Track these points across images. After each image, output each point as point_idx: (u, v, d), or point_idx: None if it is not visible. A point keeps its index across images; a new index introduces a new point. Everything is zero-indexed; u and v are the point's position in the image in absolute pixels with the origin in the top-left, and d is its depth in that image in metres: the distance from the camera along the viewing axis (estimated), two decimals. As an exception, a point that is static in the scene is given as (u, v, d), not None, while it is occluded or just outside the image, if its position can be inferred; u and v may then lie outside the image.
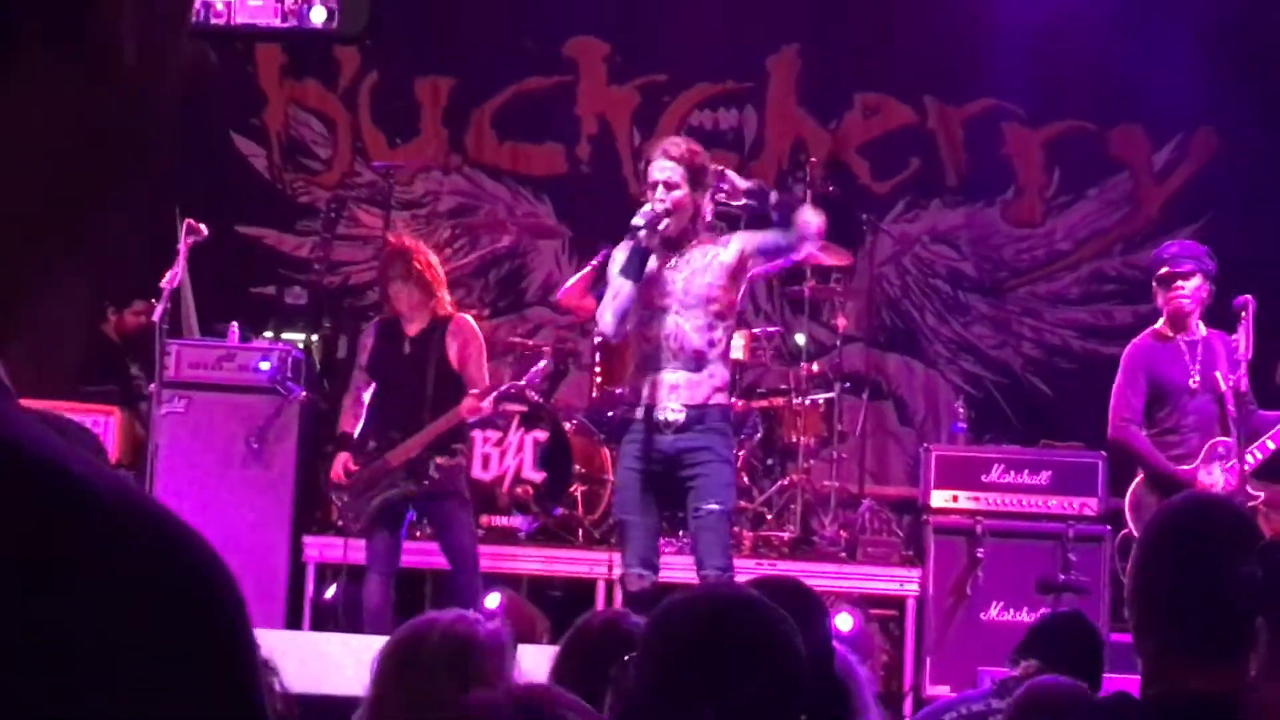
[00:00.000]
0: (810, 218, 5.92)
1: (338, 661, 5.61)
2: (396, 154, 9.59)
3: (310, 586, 7.64)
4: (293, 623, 7.44)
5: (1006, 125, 9.87)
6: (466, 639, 2.91)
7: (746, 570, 6.38)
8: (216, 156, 9.87)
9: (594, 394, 8.06)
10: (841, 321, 8.72)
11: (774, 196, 5.99)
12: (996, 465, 7.63)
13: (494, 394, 6.95)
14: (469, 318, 7.17)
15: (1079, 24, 9.66)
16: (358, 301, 9.58)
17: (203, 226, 7.22)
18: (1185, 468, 6.94)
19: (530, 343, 8.73)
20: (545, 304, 9.79)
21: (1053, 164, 9.89)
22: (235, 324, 7.99)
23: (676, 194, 5.94)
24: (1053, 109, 9.84)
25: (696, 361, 5.97)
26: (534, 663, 5.96)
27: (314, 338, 8.75)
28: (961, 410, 8.60)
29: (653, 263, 6.03)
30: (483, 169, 9.99)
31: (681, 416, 5.92)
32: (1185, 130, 9.77)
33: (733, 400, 6.42)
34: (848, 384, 8.89)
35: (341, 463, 6.95)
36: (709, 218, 6.08)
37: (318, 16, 7.05)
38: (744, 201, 6.04)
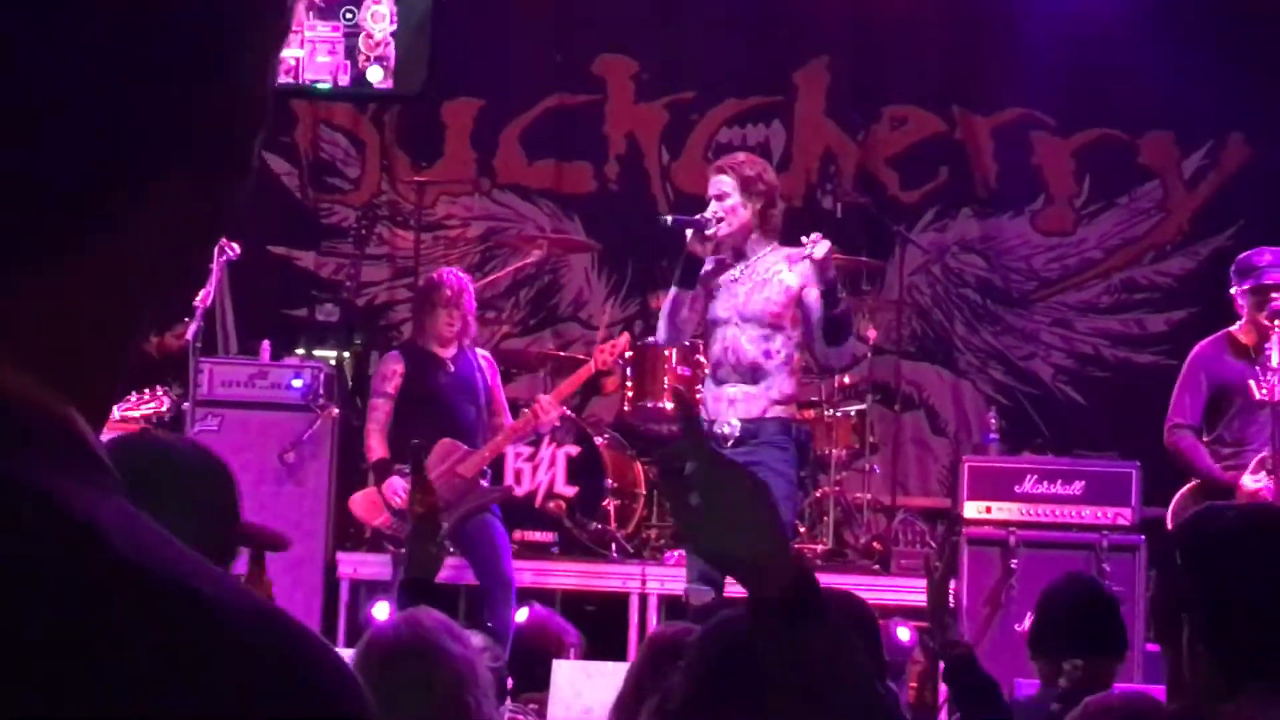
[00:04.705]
0: (848, 348, 6.23)
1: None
2: (423, 176, 9.59)
3: (344, 603, 7.65)
4: (327, 639, 7.43)
5: (1035, 134, 9.84)
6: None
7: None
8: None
9: (626, 408, 8.07)
10: (872, 333, 8.73)
11: (842, 305, 6.20)
12: (1029, 475, 7.59)
13: (566, 395, 7.37)
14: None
15: (1108, 32, 9.63)
16: (387, 319, 9.61)
17: (234, 245, 7.26)
18: (1233, 473, 6.75)
19: (564, 353, 8.75)
20: (576, 319, 9.80)
21: (1083, 172, 9.85)
22: (267, 342, 8.04)
23: (727, 203, 6.14)
24: (1082, 118, 9.80)
25: (754, 374, 6.05)
26: (566, 677, 5.99)
27: (345, 354, 8.79)
28: (994, 421, 8.58)
29: (719, 276, 6.18)
30: (512, 190, 10.00)
31: (737, 431, 6.00)
32: (1215, 137, 9.73)
33: (797, 413, 6.39)
34: (879, 395, 8.90)
35: (401, 488, 6.90)
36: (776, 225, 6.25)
37: (374, 75, 7.25)
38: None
